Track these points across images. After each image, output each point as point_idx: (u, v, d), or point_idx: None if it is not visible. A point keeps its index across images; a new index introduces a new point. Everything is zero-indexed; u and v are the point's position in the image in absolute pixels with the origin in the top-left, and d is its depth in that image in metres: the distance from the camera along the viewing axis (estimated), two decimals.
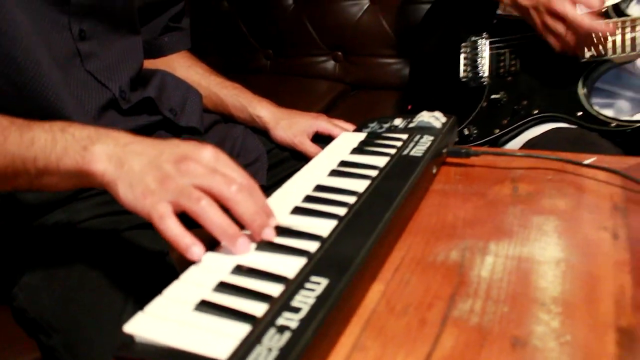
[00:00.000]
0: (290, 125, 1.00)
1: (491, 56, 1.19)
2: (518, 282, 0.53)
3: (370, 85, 1.76)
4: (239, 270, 0.49)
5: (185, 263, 0.75)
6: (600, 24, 1.00)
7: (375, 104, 1.63)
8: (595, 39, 1.03)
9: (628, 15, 1.03)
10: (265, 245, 0.53)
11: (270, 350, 0.40)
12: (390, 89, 1.67)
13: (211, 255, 0.52)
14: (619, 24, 1.02)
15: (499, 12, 1.19)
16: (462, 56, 1.22)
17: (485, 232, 0.61)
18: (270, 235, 0.53)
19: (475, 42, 1.21)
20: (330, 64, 1.80)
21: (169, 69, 1.02)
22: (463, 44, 1.22)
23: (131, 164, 0.54)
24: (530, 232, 0.61)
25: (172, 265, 0.81)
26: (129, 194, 0.53)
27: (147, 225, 0.78)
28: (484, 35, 1.20)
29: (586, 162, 0.76)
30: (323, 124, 0.99)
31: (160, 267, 0.79)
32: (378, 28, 1.71)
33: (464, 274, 0.54)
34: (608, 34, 1.01)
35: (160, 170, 0.53)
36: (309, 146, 0.98)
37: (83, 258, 0.73)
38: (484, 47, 1.19)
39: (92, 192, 0.79)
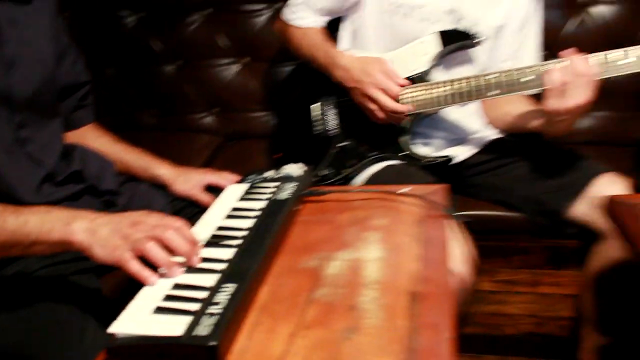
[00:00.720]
0: (186, 181, 1.27)
1: (338, 113, 1.53)
2: (352, 274, 0.85)
3: (244, 136, 2.04)
4: (177, 286, 0.77)
5: (115, 296, 1.02)
6: (399, 106, 1.39)
7: (250, 152, 1.91)
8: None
9: (429, 81, 1.42)
10: (192, 268, 0.81)
11: (206, 326, 0.68)
12: (262, 138, 1.94)
13: (156, 279, 0.79)
14: (426, 87, 1.41)
15: None
16: (315, 113, 1.56)
17: (333, 246, 0.92)
18: (196, 261, 0.81)
19: (326, 101, 1.55)
20: (209, 119, 2.08)
21: (81, 140, 1.25)
22: (316, 104, 1.56)
23: (101, 232, 0.81)
24: (362, 243, 0.93)
25: (106, 297, 1.05)
26: (101, 252, 0.80)
27: (84, 271, 1.03)
28: (332, 96, 1.55)
29: (399, 191, 1.10)
30: (212, 177, 1.26)
31: (98, 299, 1.03)
32: (248, 87, 2.01)
33: (318, 274, 0.85)
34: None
35: (122, 232, 0.80)
36: (203, 197, 1.25)
37: (40, 299, 0.95)
38: (331, 107, 1.54)
39: None
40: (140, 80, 2.09)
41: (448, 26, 1.43)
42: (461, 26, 1.44)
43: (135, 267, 0.78)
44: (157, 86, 2.07)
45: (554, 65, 1.25)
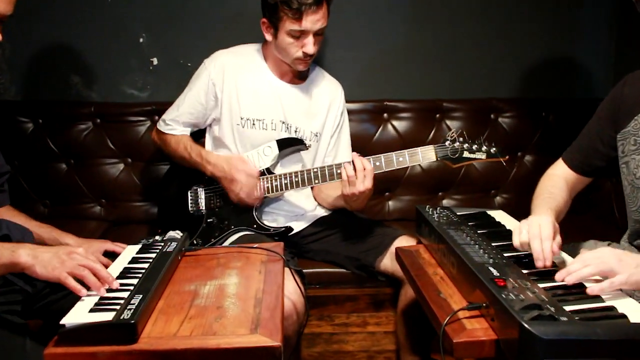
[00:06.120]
0: (88, 247, 1.66)
1: (206, 197, 2.02)
2: (218, 291, 1.30)
3: (127, 222, 2.44)
4: (102, 298, 1.18)
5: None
6: (255, 201, 1.93)
7: (133, 234, 2.29)
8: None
9: (273, 173, 1.96)
10: (111, 289, 1.22)
11: (127, 314, 1.09)
12: (141, 223, 2.38)
13: (87, 296, 1.19)
14: (270, 178, 1.94)
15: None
16: (189, 198, 2.03)
17: (205, 278, 1.37)
18: (115, 285, 1.23)
19: (196, 190, 2.03)
20: (97, 208, 2.47)
21: (3, 217, 1.61)
22: (189, 191, 2.03)
23: (42, 256, 1.21)
24: (224, 275, 1.40)
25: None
26: (42, 270, 1.19)
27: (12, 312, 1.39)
28: (200, 185, 2.03)
29: (254, 246, 1.59)
30: (109, 245, 1.66)
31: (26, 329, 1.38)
32: (131, 181, 2.44)
33: (196, 292, 1.29)
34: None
35: (60, 257, 1.20)
36: (102, 259, 1.64)
37: None
38: (201, 193, 2.02)
39: None
40: (34, 176, 2.43)
41: (283, 134, 2.00)
42: (292, 134, 2.02)
43: (73, 283, 1.19)
44: (50, 182, 2.43)
45: (344, 165, 1.80)
